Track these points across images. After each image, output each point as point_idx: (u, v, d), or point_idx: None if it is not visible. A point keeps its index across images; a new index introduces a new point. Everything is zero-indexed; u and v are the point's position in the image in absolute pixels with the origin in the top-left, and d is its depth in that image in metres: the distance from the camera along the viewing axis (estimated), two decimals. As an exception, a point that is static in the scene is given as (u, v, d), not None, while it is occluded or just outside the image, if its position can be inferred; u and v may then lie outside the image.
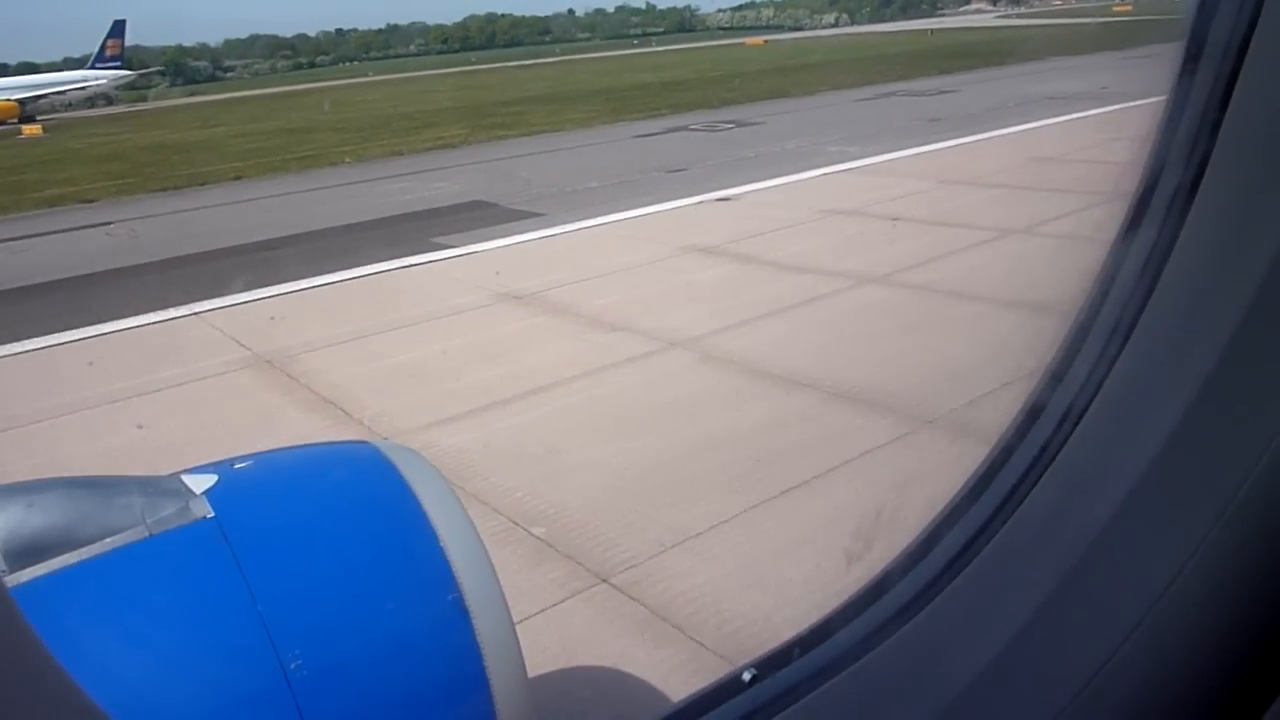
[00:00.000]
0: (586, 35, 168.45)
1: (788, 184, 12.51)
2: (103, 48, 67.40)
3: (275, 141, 25.91)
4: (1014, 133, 15.32)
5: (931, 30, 72.12)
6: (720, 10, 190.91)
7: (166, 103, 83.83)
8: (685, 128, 21.64)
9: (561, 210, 12.26)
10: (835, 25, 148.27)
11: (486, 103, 34.84)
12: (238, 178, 19.09)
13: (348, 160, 20.55)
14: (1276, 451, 0.67)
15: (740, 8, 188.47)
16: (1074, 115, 16.95)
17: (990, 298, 6.48)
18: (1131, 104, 18.35)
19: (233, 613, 1.12)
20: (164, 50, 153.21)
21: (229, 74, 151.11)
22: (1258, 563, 0.70)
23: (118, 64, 68.57)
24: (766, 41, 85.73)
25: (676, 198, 12.03)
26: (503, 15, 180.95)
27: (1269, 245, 0.67)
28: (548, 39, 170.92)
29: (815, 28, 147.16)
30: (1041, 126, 15.85)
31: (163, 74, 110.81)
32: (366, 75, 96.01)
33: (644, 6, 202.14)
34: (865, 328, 6.26)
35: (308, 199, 15.85)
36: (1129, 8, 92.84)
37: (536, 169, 16.97)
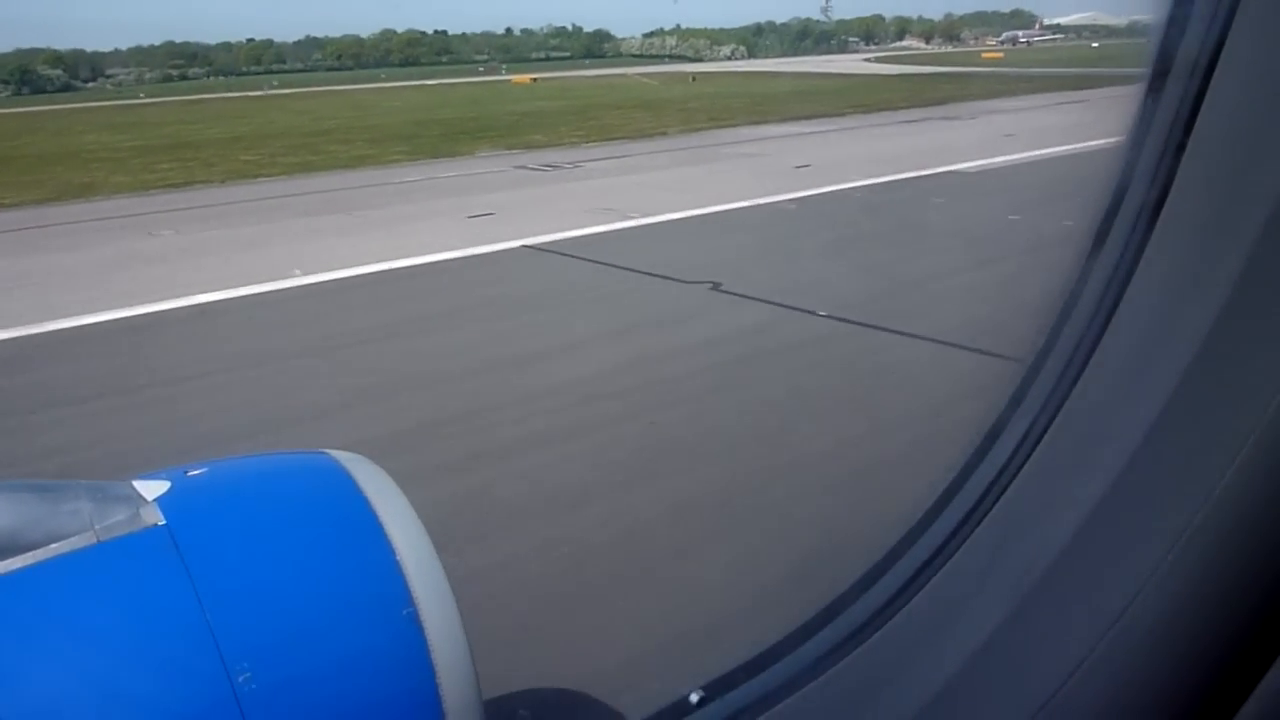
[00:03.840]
0: (484, 57, 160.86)
1: None
2: None
3: None
4: None
5: (694, 77, 66.98)
6: (634, 36, 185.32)
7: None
8: None
9: None
10: (730, 58, 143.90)
11: None
12: None
13: None
14: (1241, 466, 0.68)
15: (650, 34, 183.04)
16: None
17: None
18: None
19: (181, 624, 1.08)
20: (19, 53, 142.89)
21: (88, 85, 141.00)
22: (1219, 586, 0.71)
23: None
24: (535, 80, 78.22)
25: None
26: (402, 32, 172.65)
27: (1234, 263, 0.68)
28: (445, 60, 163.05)
29: (714, 59, 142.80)
30: None
31: None
32: (138, 97, 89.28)
33: (569, 28, 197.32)
34: None
35: None
36: (1000, 55, 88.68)
37: None
